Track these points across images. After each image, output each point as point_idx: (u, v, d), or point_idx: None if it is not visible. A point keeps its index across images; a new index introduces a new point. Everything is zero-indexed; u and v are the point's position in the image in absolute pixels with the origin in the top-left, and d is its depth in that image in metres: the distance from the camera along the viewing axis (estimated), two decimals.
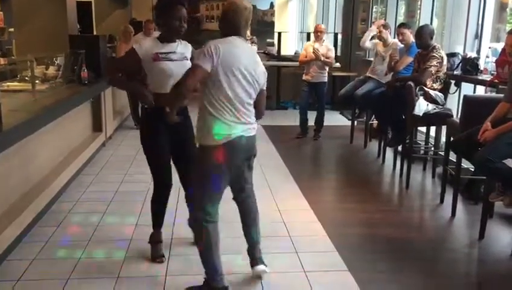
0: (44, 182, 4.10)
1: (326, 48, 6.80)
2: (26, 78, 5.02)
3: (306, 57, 6.83)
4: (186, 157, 3.13)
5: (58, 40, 6.29)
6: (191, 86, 2.51)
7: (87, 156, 5.38)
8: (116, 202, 4.29)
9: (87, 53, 5.67)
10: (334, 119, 8.21)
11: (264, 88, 2.73)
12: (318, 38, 6.78)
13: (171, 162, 3.20)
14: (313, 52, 6.65)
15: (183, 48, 3.07)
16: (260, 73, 2.65)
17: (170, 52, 2.97)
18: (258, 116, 2.76)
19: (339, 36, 9.94)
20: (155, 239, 3.27)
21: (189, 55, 3.08)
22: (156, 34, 8.19)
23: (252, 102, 2.65)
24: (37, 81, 4.83)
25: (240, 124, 2.58)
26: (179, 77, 2.64)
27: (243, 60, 2.54)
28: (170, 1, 2.94)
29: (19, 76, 5.27)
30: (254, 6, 14.00)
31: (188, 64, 2.94)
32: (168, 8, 2.91)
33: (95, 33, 10.47)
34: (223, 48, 2.50)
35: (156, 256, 3.20)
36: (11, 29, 7.87)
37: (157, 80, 2.96)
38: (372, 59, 6.64)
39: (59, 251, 3.33)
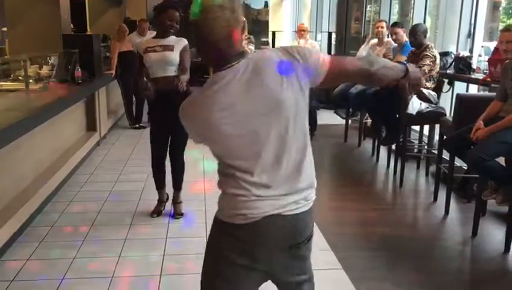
0: (38, 182, 4.09)
1: (311, 45, 6.93)
2: (20, 77, 5.01)
3: None
4: (173, 130, 3.70)
5: (51, 39, 6.28)
6: None
7: (81, 156, 5.37)
8: (110, 201, 4.29)
9: (81, 52, 5.67)
10: (328, 118, 8.21)
11: (320, 62, 1.54)
12: (302, 36, 6.94)
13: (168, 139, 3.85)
14: None
15: (172, 42, 3.67)
16: (286, 95, 1.48)
17: (156, 46, 3.64)
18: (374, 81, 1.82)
19: (333, 35, 9.96)
20: (159, 198, 4.02)
21: (177, 47, 3.66)
22: (150, 33, 8.21)
23: (298, 156, 1.57)
24: (30, 81, 4.82)
25: (272, 197, 1.52)
26: (160, 64, 3.61)
27: (237, 111, 1.46)
28: (165, 5, 3.62)
29: (12, 76, 5.26)
30: (248, 6, 14.06)
31: (168, 54, 3.62)
32: (162, 10, 3.59)
33: (88, 32, 10.44)
34: (192, 113, 1.52)
35: (153, 211, 3.95)
36: (4, 29, 7.83)
37: (149, 68, 3.69)
38: None
39: (53, 251, 3.32)
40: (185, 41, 3.72)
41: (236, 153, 1.51)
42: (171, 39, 3.67)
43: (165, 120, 3.65)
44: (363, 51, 6.57)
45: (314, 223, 1.76)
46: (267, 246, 1.54)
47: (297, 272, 1.68)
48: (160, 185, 4.01)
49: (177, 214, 3.92)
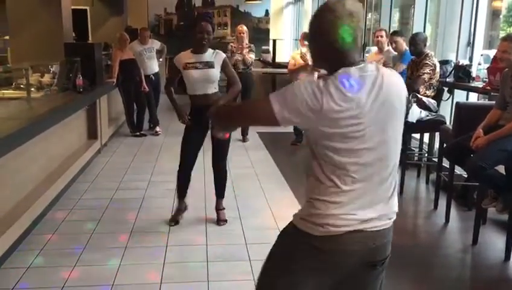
0: (39, 190, 4.09)
1: None
2: (22, 86, 5.05)
3: (295, 65, 6.90)
4: (218, 153, 3.89)
5: (53, 47, 6.30)
6: (243, 124, 1.65)
7: (82, 164, 5.38)
8: (111, 209, 4.29)
9: (83, 61, 5.70)
10: None
11: None
12: (305, 45, 6.91)
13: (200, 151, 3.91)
14: (301, 57, 6.72)
15: (211, 58, 3.71)
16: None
17: (197, 62, 3.66)
18: None
19: None
20: (178, 207, 4.03)
21: (217, 64, 3.70)
22: (151, 41, 8.22)
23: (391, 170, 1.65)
24: (32, 89, 4.85)
25: (364, 208, 1.60)
26: (202, 83, 3.63)
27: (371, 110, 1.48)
28: (196, 19, 3.78)
29: (14, 84, 5.30)
30: (249, 14, 14.14)
31: (210, 72, 3.65)
32: (193, 25, 3.69)
33: (90, 41, 10.50)
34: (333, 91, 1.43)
35: (171, 219, 3.93)
36: (6, 37, 7.89)
37: (188, 84, 3.72)
38: None
39: (54, 259, 3.32)
40: (222, 55, 3.78)
41: (345, 155, 1.50)
42: (209, 54, 3.71)
43: (200, 131, 3.76)
44: None
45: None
46: (345, 262, 1.59)
47: None
48: (182, 194, 4.01)
49: (221, 221, 3.95)
